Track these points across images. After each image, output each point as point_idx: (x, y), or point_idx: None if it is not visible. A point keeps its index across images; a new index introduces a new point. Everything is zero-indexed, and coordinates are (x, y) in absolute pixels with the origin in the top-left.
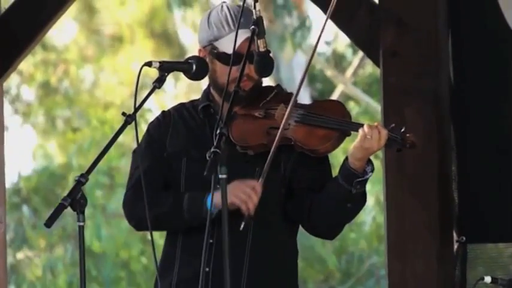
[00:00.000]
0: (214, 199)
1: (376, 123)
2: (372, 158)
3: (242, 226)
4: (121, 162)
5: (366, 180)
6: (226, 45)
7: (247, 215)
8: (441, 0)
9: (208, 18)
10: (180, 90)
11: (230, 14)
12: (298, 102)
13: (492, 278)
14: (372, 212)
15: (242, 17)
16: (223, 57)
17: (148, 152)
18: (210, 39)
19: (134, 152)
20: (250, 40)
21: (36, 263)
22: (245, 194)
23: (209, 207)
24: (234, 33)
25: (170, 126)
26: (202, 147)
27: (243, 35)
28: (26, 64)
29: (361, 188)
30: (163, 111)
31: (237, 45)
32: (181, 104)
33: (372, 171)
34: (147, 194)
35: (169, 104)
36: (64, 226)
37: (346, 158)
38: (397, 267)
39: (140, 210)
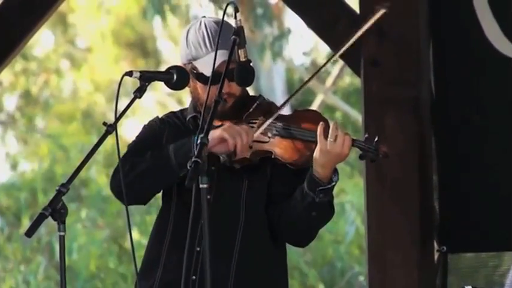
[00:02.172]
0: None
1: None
2: (350, 167)
3: (222, 159)
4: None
5: (329, 189)
6: (204, 67)
7: (232, 151)
8: (422, 9)
9: (187, 36)
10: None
11: (207, 33)
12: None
13: (473, 287)
14: (354, 223)
15: (221, 35)
16: (202, 78)
17: (146, 141)
18: (189, 58)
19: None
20: (228, 59)
21: (11, 276)
22: (236, 130)
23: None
24: (211, 55)
25: (165, 130)
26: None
27: (221, 56)
28: (7, 73)
29: (325, 197)
30: (157, 117)
31: (215, 66)
32: (172, 113)
33: (337, 180)
34: (134, 160)
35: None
36: (39, 238)
37: (312, 166)
38: (377, 276)
39: (123, 174)
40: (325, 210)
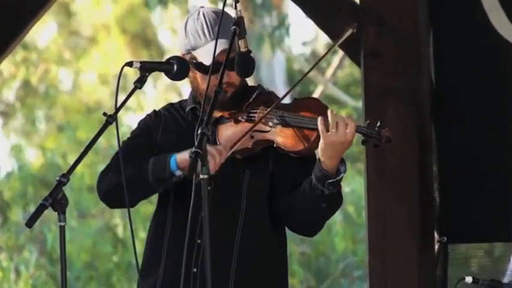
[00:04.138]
0: (179, 157)
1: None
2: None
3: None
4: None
5: (338, 181)
6: (203, 56)
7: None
8: (422, 1)
9: (185, 26)
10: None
11: (206, 23)
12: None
13: (473, 278)
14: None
15: (219, 25)
16: (201, 67)
17: (138, 140)
18: (188, 48)
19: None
20: (229, 49)
21: (2, 265)
22: (208, 152)
23: (173, 166)
24: (210, 44)
25: (161, 123)
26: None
27: (221, 45)
28: (7, 64)
29: (334, 189)
30: (154, 110)
31: (215, 55)
32: (170, 104)
33: (345, 171)
34: (119, 166)
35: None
36: (32, 228)
37: (318, 159)
38: (377, 267)
39: (108, 179)
40: (335, 201)
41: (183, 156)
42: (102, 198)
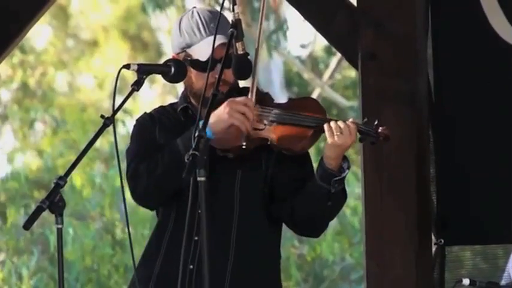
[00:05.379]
0: (211, 121)
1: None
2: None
3: (244, 145)
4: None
5: (343, 178)
6: (199, 52)
7: (247, 133)
8: (420, 3)
9: (180, 24)
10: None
11: (201, 20)
12: (274, 102)
13: (470, 280)
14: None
15: (214, 22)
16: (197, 64)
17: (144, 138)
18: (182, 46)
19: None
20: (228, 45)
21: (2, 267)
22: (240, 112)
23: (208, 134)
24: (205, 40)
25: (157, 123)
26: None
27: (216, 40)
28: (4, 66)
29: (340, 186)
30: (145, 113)
31: (210, 51)
32: (162, 107)
33: (349, 168)
34: (144, 164)
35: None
36: (31, 230)
37: (322, 159)
38: (375, 270)
39: (145, 180)
40: (340, 199)
41: (214, 122)
42: (146, 202)
